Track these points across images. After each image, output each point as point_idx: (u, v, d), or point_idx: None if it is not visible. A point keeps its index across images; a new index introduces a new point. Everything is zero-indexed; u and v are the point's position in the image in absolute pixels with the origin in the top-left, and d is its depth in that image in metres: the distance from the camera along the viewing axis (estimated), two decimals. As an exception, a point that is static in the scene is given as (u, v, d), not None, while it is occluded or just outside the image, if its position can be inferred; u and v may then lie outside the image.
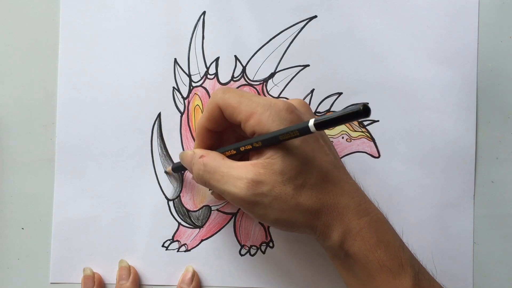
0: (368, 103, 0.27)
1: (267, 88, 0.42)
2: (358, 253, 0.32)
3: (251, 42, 0.41)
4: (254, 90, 0.42)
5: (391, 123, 0.42)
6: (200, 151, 0.35)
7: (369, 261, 0.32)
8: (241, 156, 0.36)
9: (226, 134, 0.38)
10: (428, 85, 0.42)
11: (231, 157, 0.35)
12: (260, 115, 0.32)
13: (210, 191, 0.40)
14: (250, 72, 0.42)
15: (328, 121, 0.28)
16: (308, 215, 0.32)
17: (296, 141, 0.32)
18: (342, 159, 0.42)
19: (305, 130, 0.30)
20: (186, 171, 0.42)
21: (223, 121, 0.35)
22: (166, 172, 0.42)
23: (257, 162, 0.33)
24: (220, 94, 0.34)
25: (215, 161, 0.34)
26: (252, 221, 0.42)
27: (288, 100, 0.34)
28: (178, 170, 0.40)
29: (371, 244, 0.32)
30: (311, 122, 0.29)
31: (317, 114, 0.41)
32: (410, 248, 0.35)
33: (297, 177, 0.32)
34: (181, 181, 0.42)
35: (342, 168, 0.35)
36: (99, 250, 0.41)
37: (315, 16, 0.42)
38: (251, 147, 0.33)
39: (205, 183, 0.34)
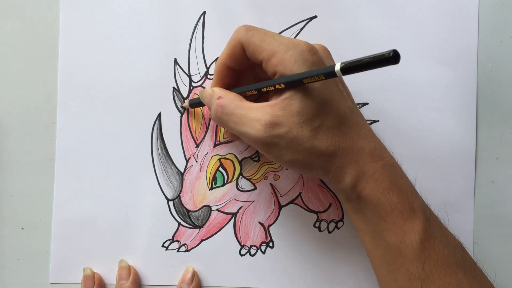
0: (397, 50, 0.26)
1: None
2: (370, 195, 0.32)
3: (251, 42, 0.41)
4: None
5: (391, 123, 0.42)
6: (218, 91, 0.35)
7: (381, 203, 0.32)
8: (259, 95, 0.36)
9: (245, 74, 0.38)
10: (428, 85, 0.42)
11: (251, 97, 0.35)
12: (282, 54, 0.32)
13: (225, 131, 0.41)
14: (250, 72, 0.41)
15: (356, 66, 0.28)
16: (323, 157, 0.33)
17: (316, 83, 0.32)
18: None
19: (331, 74, 0.29)
20: (186, 172, 0.42)
21: (244, 59, 0.35)
22: (182, 107, 0.41)
23: (275, 103, 0.32)
24: (243, 31, 0.34)
25: (233, 103, 0.34)
26: (252, 221, 0.42)
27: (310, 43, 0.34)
28: (195, 106, 0.40)
29: (384, 186, 0.32)
30: (337, 66, 0.29)
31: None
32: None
33: (314, 119, 0.32)
34: (181, 181, 0.42)
35: (359, 113, 0.35)
36: (99, 250, 0.41)
37: (315, 16, 0.42)
38: (273, 88, 0.33)
39: (223, 124, 0.35)
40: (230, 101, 0.34)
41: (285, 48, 0.32)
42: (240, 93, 0.35)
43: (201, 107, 0.41)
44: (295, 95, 0.32)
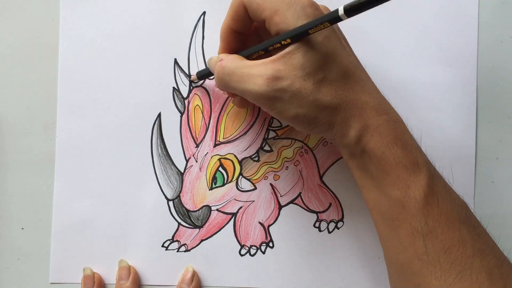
0: None
1: (267, 88, 0.42)
2: (374, 149, 0.32)
3: (251, 42, 0.41)
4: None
5: (391, 123, 0.41)
6: (221, 55, 0.35)
7: (385, 157, 0.32)
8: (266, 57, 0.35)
9: (250, 38, 0.38)
10: (428, 85, 0.42)
11: (258, 58, 0.35)
12: (285, 11, 0.32)
13: (232, 100, 0.40)
14: (250, 72, 0.41)
15: (359, 4, 0.28)
16: (327, 110, 0.32)
17: (319, 37, 0.32)
18: (339, 162, 0.42)
19: (336, 19, 0.29)
20: (186, 172, 0.42)
21: (247, 21, 0.35)
22: (190, 80, 0.41)
23: (277, 58, 0.32)
24: None
25: (234, 62, 0.34)
26: (252, 221, 0.42)
27: None
28: (202, 78, 0.40)
29: (389, 140, 0.32)
30: (340, 10, 0.28)
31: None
32: None
33: (317, 72, 0.32)
34: (181, 181, 0.42)
35: (363, 69, 0.34)
36: (99, 250, 0.41)
37: (315, 16, 0.42)
38: (280, 45, 0.33)
39: (226, 85, 0.34)
40: (231, 61, 0.34)
41: (286, 5, 0.32)
42: (246, 56, 0.35)
43: (201, 104, 0.41)
44: (297, 49, 0.32)
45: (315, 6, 0.33)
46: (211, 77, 0.39)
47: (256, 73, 0.32)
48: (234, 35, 0.36)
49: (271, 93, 0.32)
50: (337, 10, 0.29)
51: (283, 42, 0.32)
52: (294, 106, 0.32)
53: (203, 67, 0.42)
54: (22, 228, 0.42)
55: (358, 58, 0.36)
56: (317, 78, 0.32)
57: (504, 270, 0.31)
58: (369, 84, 0.34)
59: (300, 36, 0.32)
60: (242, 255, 0.42)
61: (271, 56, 0.34)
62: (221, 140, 0.42)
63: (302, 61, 0.32)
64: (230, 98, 0.41)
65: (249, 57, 0.35)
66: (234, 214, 0.42)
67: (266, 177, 0.42)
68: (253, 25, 0.36)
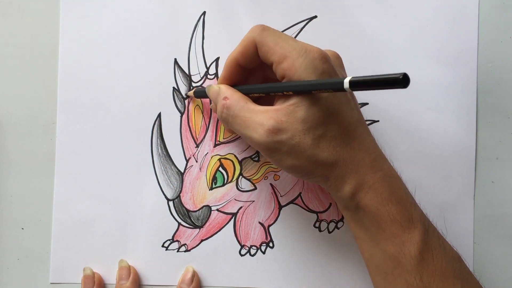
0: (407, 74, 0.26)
1: (267, 88, 0.42)
2: (369, 205, 0.33)
3: (251, 42, 0.41)
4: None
5: (391, 123, 0.42)
6: (225, 90, 0.36)
7: (379, 214, 0.32)
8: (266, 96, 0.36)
9: (253, 73, 0.38)
10: (428, 85, 0.42)
11: (260, 97, 0.35)
12: (294, 60, 0.32)
13: (225, 129, 0.41)
14: (250, 72, 0.41)
15: (365, 83, 0.28)
16: (323, 166, 0.33)
17: (324, 92, 0.32)
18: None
19: (339, 88, 0.30)
20: (186, 172, 0.42)
21: (255, 58, 0.35)
22: (186, 95, 0.41)
23: (280, 108, 0.33)
24: (258, 31, 0.34)
25: (238, 104, 0.34)
26: (252, 221, 0.42)
27: (323, 50, 0.34)
28: (199, 97, 0.40)
29: (383, 197, 0.33)
30: (346, 83, 0.29)
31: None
32: None
33: (318, 128, 0.32)
34: (181, 181, 0.42)
35: (363, 124, 0.35)
36: (99, 250, 0.41)
37: (315, 16, 0.42)
38: (281, 94, 0.33)
39: (228, 125, 0.35)
40: (236, 102, 0.34)
41: (297, 53, 0.32)
42: (246, 93, 0.35)
43: (201, 104, 0.41)
44: (301, 102, 0.32)
45: (325, 59, 0.33)
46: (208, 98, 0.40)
47: (258, 121, 0.33)
48: (239, 68, 0.36)
49: (270, 144, 0.32)
50: (342, 82, 0.29)
51: (285, 93, 0.33)
52: (291, 158, 0.33)
53: (203, 67, 0.42)
54: (22, 228, 0.42)
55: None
56: (317, 134, 0.32)
57: None
58: (368, 139, 0.34)
59: (303, 92, 0.32)
60: (242, 255, 0.42)
61: (272, 99, 0.34)
62: (221, 140, 0.42)
63: (304, 115, 0.32)
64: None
65: (249, 94, 0.35)
66: (234, 214, 0.42)
67: (266, 177, 0.42)
68: (259, 63, 0.36)
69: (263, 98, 0.36)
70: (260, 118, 0.33)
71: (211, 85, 0.38)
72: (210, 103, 0.40)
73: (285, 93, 0.33)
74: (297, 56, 0.32)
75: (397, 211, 0.32)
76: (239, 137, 0.42)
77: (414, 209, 0.33)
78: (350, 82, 0.29)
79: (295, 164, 0.33)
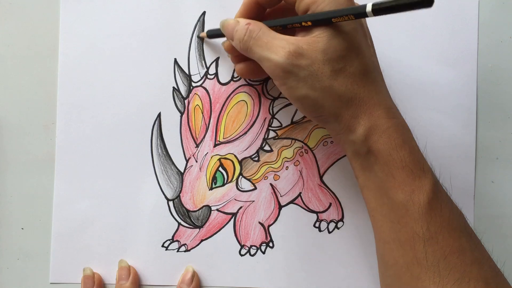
0: None
1: (267, 88, 0.42)
2: (382, 150, 0.32)
3: (251, 42, 0.41)
4: (254, 90, 0.42)
5: (391, 123, 0.41)
6: (244, 20, 0.35)
7: (392, 159, 0.32)
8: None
9: (270, 17, 0.37)
10: (428, 85, 0.42)
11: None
12: None
13: (236, 65, 0.40)
14: (250, 72, 0.41)
15: (387, 6, 0.28)
16: (338, 101, 0.32)
17: (347, 27, 0.32)
18: (339, 162, 0.42)
19: (362, 14, 0.29)
20: (186, 172, 0.42)
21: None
22: (198, 37, 0.41)
23: (301, 38, 0.32)
24: None
25: (261, 29, 0.34)
26: (252, 221, 0.42)
27: None
28: (213, 37, 0.40)
29: (397, 143, 0.32)
30: (368, 7, 0.28)
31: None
32: None
33: (338, 61, 0.32)
34: (181, 181, 0.42)
35: (381, 73, 0.35)
36: (99, 250, 0.41)
37: (315, 16, 0.42)
38: (299, 25, 0.33)
39: (247, 48, 0.34)
40: (259, 27, 0.34)
41: None
42: None
43: (201, 104, 0.41)
44: (322, 34, 0.32)
45: None
46: (222, 37, 0.39)
47: (280, 44, 0.32)
48: (256, 6, 0.36)
49: (288, 67, 0.32)
50: (365, 6, 0.29)
51: (303, 24, 0.32)
52: (306, 86, 0.32)
53: (203, 67, 0.42)
54: (22, 228, 0.42)
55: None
56: (337, 67, 0.32)
57: (499, 281, 0.32)
58: (384, 87, 0.34)
59: (323, 22, 0.31)
60: (242, 255, 0.42)
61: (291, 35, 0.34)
62: (221, 140, 0.42)
63: (326, 46, 0.32)
64: (230, 97, 0.41)
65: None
66: (234, 214, 0.42)
67: (266, 177, 0.42)
68: (277, 6, 0.36)
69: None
70: (282, 42, 0.32)
71: (227, 19, 0.37)
72: (209, 95, 0.40)
73: (303, 24, 0.32)
74: None
75: (410, 158, 0.32)
76: (239, 137, 0.42)
77: (424, 161, 0.33)
78: (373, 5, 0.28)
79: (309, 94, 0.32)
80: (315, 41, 0.32)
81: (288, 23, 0.34)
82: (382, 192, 0.33)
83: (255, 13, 0.37)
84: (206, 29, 0.41)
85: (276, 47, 0.32)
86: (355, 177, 0.35)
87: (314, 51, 0.32)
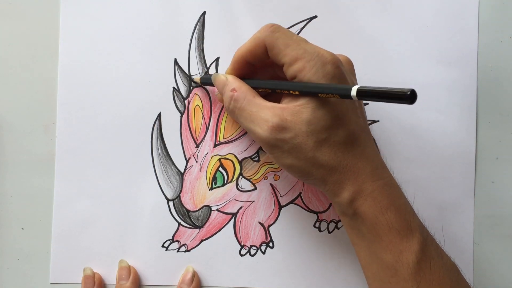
0: (415, 90, 0.27)
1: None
2: (367, 213, 0.32)
3: (251, 42, 0.41)
4: (254, 90, 0.42)
5: (391, 123, 0.42)
6: (232, 82, 0.35)
7: (378, 222, 0.32)
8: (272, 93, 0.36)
9: (263, 70, 0.38)
10: (428, 85, 0.42)
11: (264, 92, 0.35)
12: (305, 62, 0.32)
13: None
14: (250, 72, 0.41)
15: (371, 94, 0.28)
16: (322, 169, 0.33)
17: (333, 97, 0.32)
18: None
19: (346, 95, 0.30)
20: (186, 172, 0.42)
21: (264, 58, 0.35)
22: (193, 81, 0.41)
23: (287, 107, 0.33)
24: (269, 32, 0.34)
25: (246, 98, 0.34)
26: (252, 221, 0.42)
27: (335, 54, 0.34)
28: (205, 84, 0.41)
29: (382, 206, 0.32)
30: (353, 91, 0.29)
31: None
32: None
33: (322, 131, 0.32)
34: (181, 181, 0.42)
35: (367, 132, 0.35)
36: (99, 250, 0.41)
37: (315, 16, 0.42)
38: (288, 92, 0.33)
39: (233, 116, 0.35)
40: (244, 95, 0.34)
41: (309, 56, 0.32)
42: (253, 87, 0.35)
43: (201, 104, 0.41)
44: (308, 104, 0.32)
45: (336, 65, 0.32)
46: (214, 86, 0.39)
47: (264, 117, 0.33)
48: (247, 64, 0.36)
49: (272, 141, 0.33)
50: (350, 89, 0.29)
51: (291, 92, 0.33)
52: (291, 157, 0.33)
53: (203, 67, 0.42)
54: (22, 228, 0.42)
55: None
56: (320, 137, 0.32)
57: None
58: (370, 148, 0.34)
59: (310, 94, 0.32)
60: (242, 255, 0.42)
61: (279, 97, 0.34)
62: (221, 140, 0.42)
63: (310, 117, 0.32)
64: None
65: (256, 89, 0.35)
66: (234, 214, 0.42)
67: (266, 177, 0.42)
68: (268, 61, 0.36)
69: (270, 96, 0.36)
70: (266, 114, 0.33)
71: (218, 74, 0.38)
72: (209, 95, 0.40)
73: (291, 92, 0.33)
74: (308, 59, 0.32)
75: (396, 219, 0.32)
76: (239, 137, 0.42)
77: (412, 218, 0.33)
78: (358, 90, 0.29)
79: (294, 163, 0.33)
80: (300, 111, 0.32)
81: (277, 88, 0.34)
82: (371, 251, 0.33)
83: (245, 68, 0.37)
84: (206, 34, 0.41)
85: (259, 120, 0.33)
86: (347, 233, 0.35)
87: (298, 123, 0.32)
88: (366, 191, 0.33)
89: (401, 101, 0.27)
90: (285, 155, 0.33)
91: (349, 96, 0.29)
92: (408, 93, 0.26)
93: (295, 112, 0.32)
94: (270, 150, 0.34)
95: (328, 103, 0.32)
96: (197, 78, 0.41)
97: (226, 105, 0.36)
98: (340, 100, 0.32)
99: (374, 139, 0.36)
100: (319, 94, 0.31)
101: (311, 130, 0.32)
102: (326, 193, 0.34)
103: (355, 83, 0.35)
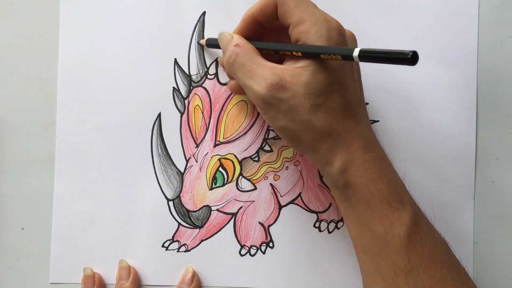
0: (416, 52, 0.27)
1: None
2: (359, 183, 0.32)
3: (251, 42, 0.41)
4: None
5: (391, 123, 0.42)
6: (237, 39, 0.35)
7: (369, 192, 0.32)
8: (276, 58, 0.36)
9: (269, 34, 0.38)
10: (428, 85, 0.42)
11: (268, 56, 0.35)
12: (311, 25, 0.32)
13: (228, 81, 0.40)
14: (250, 72, 0.41)
15: (374, 56, 0.28)
16: (315, 134, 0.33)
17: (334, 63, 0.32)
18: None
19: (348, 57, 0.30)
20: (186, 172, 0.42)
21: (273, 17, 0.35)
22: (198, 43, 0.41)
23: (287, 68, 0.33)
24: None
25: (248, 54, 0.34)
26: (252, 221, 0.42)
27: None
28: (211, 47, 0.41)
29: (374, 176, 0.32)
30: (356, 52, 0.29)
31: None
32: None
33: (320, 95, 0.32)
34: (181, 181, 0.42)
35: (363, 106, 0.35)
36: (99, 250, 0.41)
37: (315, 16, 0.42)
38: (290, 53, 0.33)
39: (232, 71, 0.35)
40: (246, 51, 0.34)
41: (315, 19, 0.32)
42: (257, 48, 0.35)
43: (201, 104, 0.41)
44: (308, 67, 0.32)
45: (341, 32, 0.33)
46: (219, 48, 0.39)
47: (263, 74, 0.33)
48: (255, 24, 0.36)
49: (269, 99, 0.32)
50: (352, 50, 0.29)
51: (294, 53, 0.33)
52: (286, 118, 0.33)
53: (203, 67, 0.42)
54: (22, 228, 0.42)
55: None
56: (317, 101, 0.32)
57: None
58: (365, 122, 0.34)
59: (312, 55, 0.32)
60: (242, 255, 0.42)
61: (282, 59, 0.34)
62: (221, 140, 0.42)
63: (309, 79, 0.32)
64: (230, 97, 0.41)
65: (259, 50, 0.35)
66: (234, 214, 0.42)
67: (266, 177, 0.42)
68: (276, 24, 0.36)
69: (273, 59, 0.36)
70: (265, 72, 0.33)
71: (224, 32, 0.37)
72: (209, 95, 0.40)
73: (294, 53, 0.33)
74: (315, 22, 0.32)
75: (388, 191, 0.32)
76: (239, 137, 0.42)
77: (404, 192, 0.33)
78: (360, 51, 0.29)
79: (288, 126, 0.33)
80: (300, 73, 0.32)
81: (279, 49, 0.34)
82: (362, 223, 0.33)
83: (253, 30, 0.37)
84: (206, 34, 0.41)
85: (258, 77, 0.33)
86: (337, 206, 0.35)
87: (296, 84, 0.32)
88: (358, 161, 0.32)
89: (402, 62, 0.27)
90: (280, 116, 0.33)
91: (351, 57, 0.29)
92: (410, 54, 0.26)
93: (295, 73, 0.32)
94: (265, 108, 0.33)
95: (328, 68, 0.32)
96: (203, 41, 0.41)
97: (226, 59, 0.35)
98: (341, 67, 0.32)
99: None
100: (321, 55, 0.31)
101: (309, 93, 0.32)
102: (317, 163, 0.34)
103: None
